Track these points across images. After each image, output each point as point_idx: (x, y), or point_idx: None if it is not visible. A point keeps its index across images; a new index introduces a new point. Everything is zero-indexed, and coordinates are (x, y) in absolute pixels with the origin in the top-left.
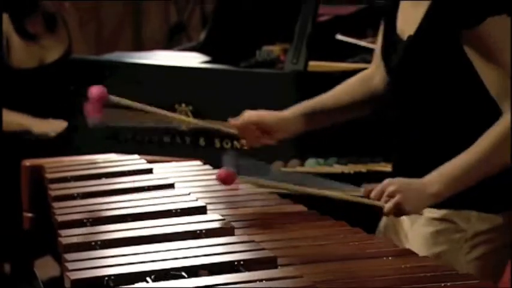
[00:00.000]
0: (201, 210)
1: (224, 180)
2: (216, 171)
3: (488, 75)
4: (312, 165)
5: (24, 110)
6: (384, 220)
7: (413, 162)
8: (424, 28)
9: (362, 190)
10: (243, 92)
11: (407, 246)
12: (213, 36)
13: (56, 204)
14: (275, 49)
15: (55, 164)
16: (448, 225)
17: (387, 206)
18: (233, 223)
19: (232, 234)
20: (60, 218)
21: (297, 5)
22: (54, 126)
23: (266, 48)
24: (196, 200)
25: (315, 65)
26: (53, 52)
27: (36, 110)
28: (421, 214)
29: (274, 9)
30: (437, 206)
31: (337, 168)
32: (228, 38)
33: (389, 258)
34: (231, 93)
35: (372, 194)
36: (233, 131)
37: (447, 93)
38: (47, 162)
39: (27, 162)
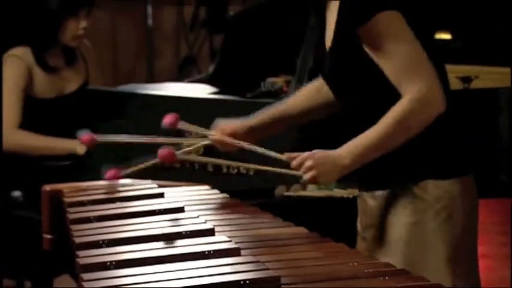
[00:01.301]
0: (209, 232)
1: (164, 158)
2: (223, 195)
3: (384, 67)
4: (313, 189)
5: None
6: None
7: None
8: (337, 36)
9: (285, 156)
10: None
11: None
12: (221, 69)
13: (73, 227)
14: (279, 81)
15: (73, 189)
16: (410, 198)
17: (305, 176)
18: (239, 244)
19: (238, 254)
20: (77, 240)
21: (298, 40)
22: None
23: (270, 79)
24: (205, 222)
25: None
26: (71, 83)
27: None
28: (333, 183)
29: (277, 44)
30: (395, 180)
31: (337, 193)
32: (235, 70)
33: (386, 278)
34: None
35: (293, 165)
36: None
37: (368, 90)
38: (65, 187)
39: (47, 187)
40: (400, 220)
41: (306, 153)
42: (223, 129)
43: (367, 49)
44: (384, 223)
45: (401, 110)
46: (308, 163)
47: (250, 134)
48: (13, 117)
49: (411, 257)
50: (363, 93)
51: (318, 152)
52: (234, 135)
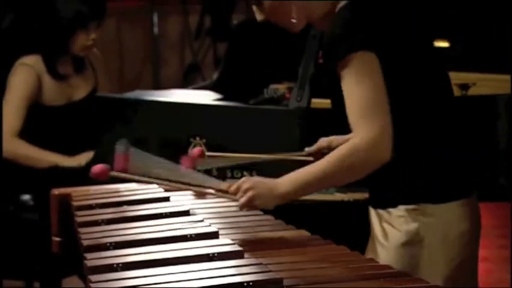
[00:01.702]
0: (214, 235)
1: (97, 175)
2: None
3: (346, 104)
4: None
5: (53, 143)
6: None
7: None
8: (323, 59)
9: (226, 184)
10: (252, 126)
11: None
12: (225, 76)
13: (81, 230)
14: (281, 87)
15: (81, 193)
16: (408, 219)
17: (241, 200)
18: (243, 247)
19: (242, 257)
20: (85, 243)
21: (300, 48)
22: (80, 160)
23: (273, 86)
24: (209, 225)
25: (317, 102)
26: (80, 90)
27: (65, 143)
28: (271, 209)
29: (280, 51)
30: (396, 203)
31: (338, 197)
32: (238, 77)
33: (386, 279)
34: (241, 128)
35: (231, 189)
36: (309, 158)
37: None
38: (73, 191)
39: (56, 191)
40: (396, 240)
41: (243, 178)
42: (321, 142)
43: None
44: (380, 240)
45: (346, 149)
46: (245, 185)
47: None
48: (12, 125)
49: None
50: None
51: (256, 178)
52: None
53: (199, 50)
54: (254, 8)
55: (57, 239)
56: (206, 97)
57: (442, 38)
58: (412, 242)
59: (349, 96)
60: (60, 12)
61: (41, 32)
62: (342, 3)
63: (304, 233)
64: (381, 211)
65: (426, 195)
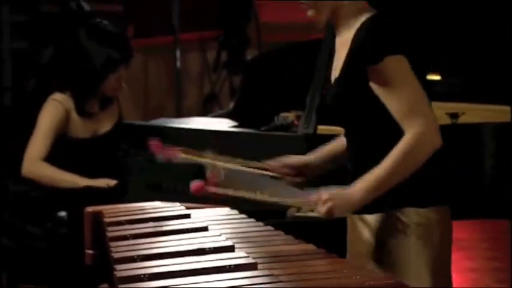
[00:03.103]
0: (230, 248)
1: (196, 192)
2: (241, 216)
3: (390, 104)
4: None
5: (79, 171)
6: (348, 223)
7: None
8: (345, 68)
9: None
10: (263, 150)
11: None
12: (239, 105)
13: (112, 244)
14: (290, 115)
15: (111, 210)
16: (395, 221)
17: (322, 210)
18: (256, 259)
19: (255, 269)
20: (115, 255)
21: (307, 80)
22: (100, 184)
23: (283, 114)
24: (226, 240)
25: (322, 128)
26: (105, 125)
27: (90, 170)
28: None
29: (289, 83)
30: (384, 207)
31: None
32: (252, 106)
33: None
34: (254, 152)
35: (311, 200)
36: (272, 173)
37: (367, 121)
38: (105, 208)
39: (89, 209)
40: (385, 240)
41: (321, 191)
42: (283, 161)
43: (373, 86)
44: (366, 242)
45: (405, 146)
46: (324, 197)
47: (307, 168)
48: (38, 150)
49: (397, 272)
50: (362, 123)
51: (331, 189)
52: (292, 167)
53: (217, 82)
54: None
55: (90, 251)
56: (223, 124)
57: (435, 72)
58: (398, 243)
59: (394, 97)
60: (92, 58)
61: (74, 73)
62: (367, 14)
63: (311, 246)
64: (367, 216)
65: (411, 200)
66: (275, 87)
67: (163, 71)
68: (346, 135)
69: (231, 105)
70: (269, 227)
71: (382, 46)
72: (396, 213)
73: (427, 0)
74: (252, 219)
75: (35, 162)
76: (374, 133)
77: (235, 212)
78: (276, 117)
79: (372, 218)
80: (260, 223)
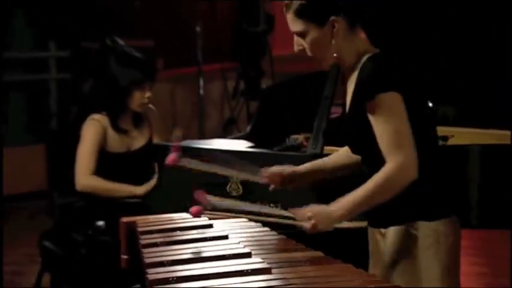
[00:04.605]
0: (247, 255)
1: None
2: (258, 226)
3: (377, 135)
4: None
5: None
6: (369, 234)
7: None
8: (352, 104)
9: (290, 212)
10: None
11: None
12: (255, 128)
13: (144, 250)
14: (299, 137)
15: (144, 221)
16: (406, 234)
17: (306, 226)
18: (270, 265)
19: (269, 273)
20: (147, 260)
21: (315, 106)
22: (147, 188)
23: (293, 136)
24: (244, 247)
25: (329, 149)
26: (138, 141)
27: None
28: (331, 229)
29: (299, 109)
30: (398, 221)
31: (346, 224)
32: (266, 129)
33: None
34: None
35: (298, 216)
36: (263, 180)
37: (371, 147)
38: (138, 219)
39: (125, 219)
40: (397, 251)
41: (305, 208)
42: (274, 169)
43: (370, 119)
44: (383, 253)
45: (385, 175)
46: (308, 214)
47: (295, 177)
48: (87, 164)
49: (406, 281)
50: (368, 151)
51: (315, 206)
52: (281, 176)
53: (236, 107)
54: (295, 39)
55: (125, 257)
56: (241, 145)
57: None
58: (411, 254)
59: (382, 130)
60: (118, 79)
61: (105, 94)
62: (367, 55)
63: (319, 253)
64: (383, 230)
65: (420, 214)
66: (287, 112)
67: (188, 97)
68: (355, 152)
69: (248, 128)
70: (282, 236)
71: (374, 85)
72: (408, 227)
73: (423, 36)
74: (267, 229)
75: (86, 177)
76: (377, 152)
77: (252, 222)
78: (287, 139)
79: (386, 231)
80: (274, 232)
